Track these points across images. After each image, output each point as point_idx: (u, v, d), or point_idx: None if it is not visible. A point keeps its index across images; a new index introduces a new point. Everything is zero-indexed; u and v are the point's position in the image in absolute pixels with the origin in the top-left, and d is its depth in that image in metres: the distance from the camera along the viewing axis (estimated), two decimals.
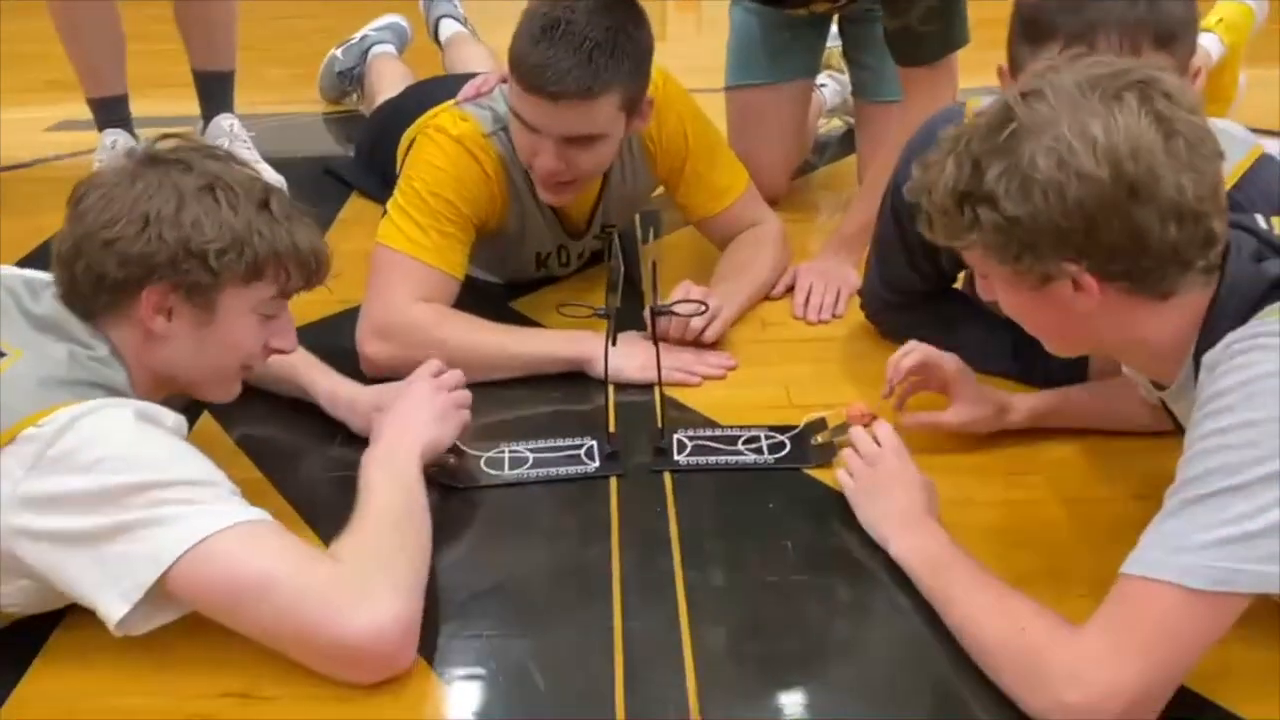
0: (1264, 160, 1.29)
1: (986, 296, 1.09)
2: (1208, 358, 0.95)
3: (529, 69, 1.46)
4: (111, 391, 1.07)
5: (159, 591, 0.97)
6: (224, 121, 2.35)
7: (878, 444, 1.24)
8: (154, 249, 1.08)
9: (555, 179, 1.56)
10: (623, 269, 1.35)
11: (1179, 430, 1.06)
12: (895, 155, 1.51)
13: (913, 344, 1.39)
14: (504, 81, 1.62)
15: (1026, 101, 0.95)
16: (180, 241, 1.09)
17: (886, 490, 1.21)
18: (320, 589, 0.98)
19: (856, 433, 1.27)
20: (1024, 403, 1.39)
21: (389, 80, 2.60)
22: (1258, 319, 0.94)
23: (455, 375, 1.35)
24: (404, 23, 2.94)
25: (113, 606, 0.97)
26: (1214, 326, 0.97)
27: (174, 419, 1.08)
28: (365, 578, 1.00)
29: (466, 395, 1.34)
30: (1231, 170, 1.24)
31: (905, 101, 1.88)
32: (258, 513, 1.02)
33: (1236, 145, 1.30)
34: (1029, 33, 1.28)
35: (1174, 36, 1.23)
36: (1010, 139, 0.95)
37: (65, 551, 0.98)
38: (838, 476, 1.26)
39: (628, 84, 1.51)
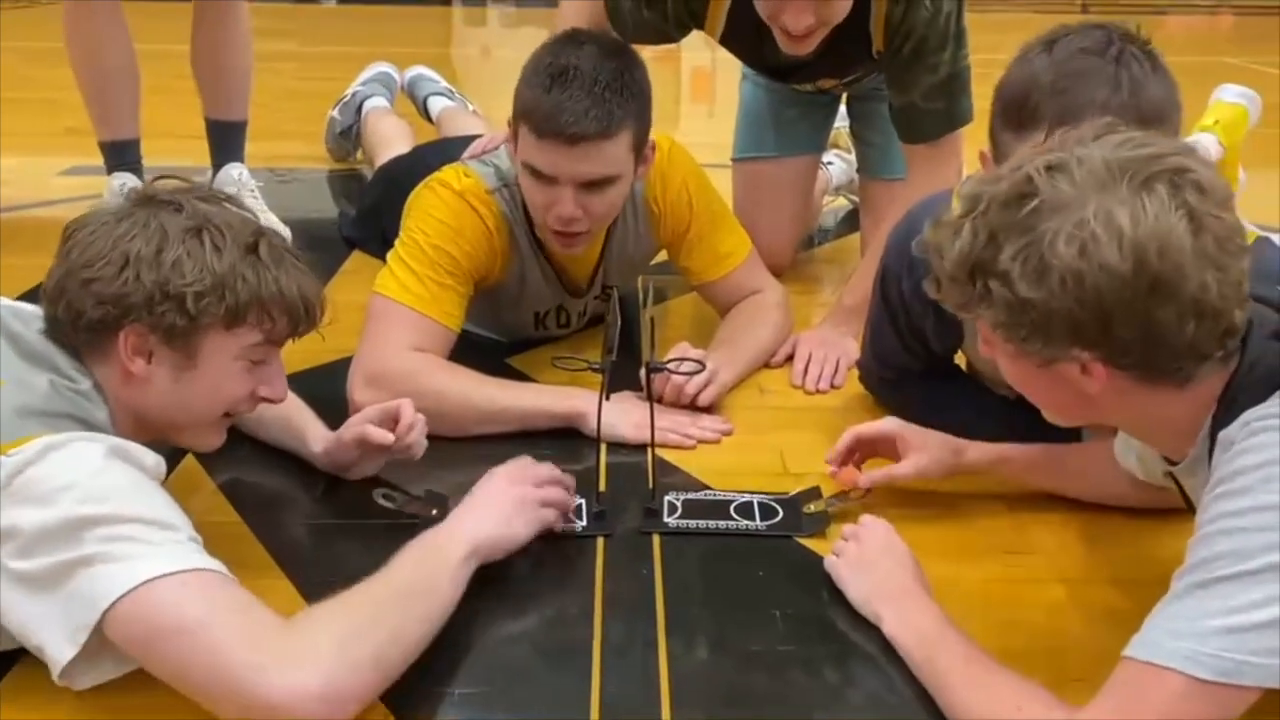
0: (1261, 242, 1.28)
1: (987, 356, 1.06)
2: (1224, 435, 0.92)
3: (545, 115, 1.47)
4: (89, 426, 1.05)
5: (99, 637, 0.93)
6: (233, 170, 2.37)
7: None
8: (130, 290, 1.07)
9: (571, 227, 1.56)
10: (620, 325, 1.33)
11: (1189, 507, 1.03)
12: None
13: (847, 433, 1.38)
14: (508, 140, 1.63)
15: (1050, 176, 0.91)
16: (158, 283, 1.07)
17: (875, 565, 1.18)
18: (250, 639, 0.92)
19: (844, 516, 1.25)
20: (979, 448, 1.37)
21: (386, 137, 2.63)
22: (1277, 397, 0.91)
23: (547, 468, 1.26)
24: (390, 70, 2.99)
25: (60, 650, 0.93)
26: (1232, 404, 0.94)
27: (153, 459, 1.05)
28: (308, 639, 0.93)
29: (556, 491, 1.25)
30: None
31: (908, 178, 1.89)
32: (210, 562, 0.97)
33: None
34: (1012, 117, 1.26)
35: (1160, 121, 1.21)
36: (1031, 215, 0.90)
37: (15, 591, 0.95)
38: (825, 562, 1.23)
39: (636, 123, 1.53)
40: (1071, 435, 1.40)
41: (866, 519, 1.25)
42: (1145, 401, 0.97)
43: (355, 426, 1.36)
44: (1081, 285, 0.88)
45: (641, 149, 1.58)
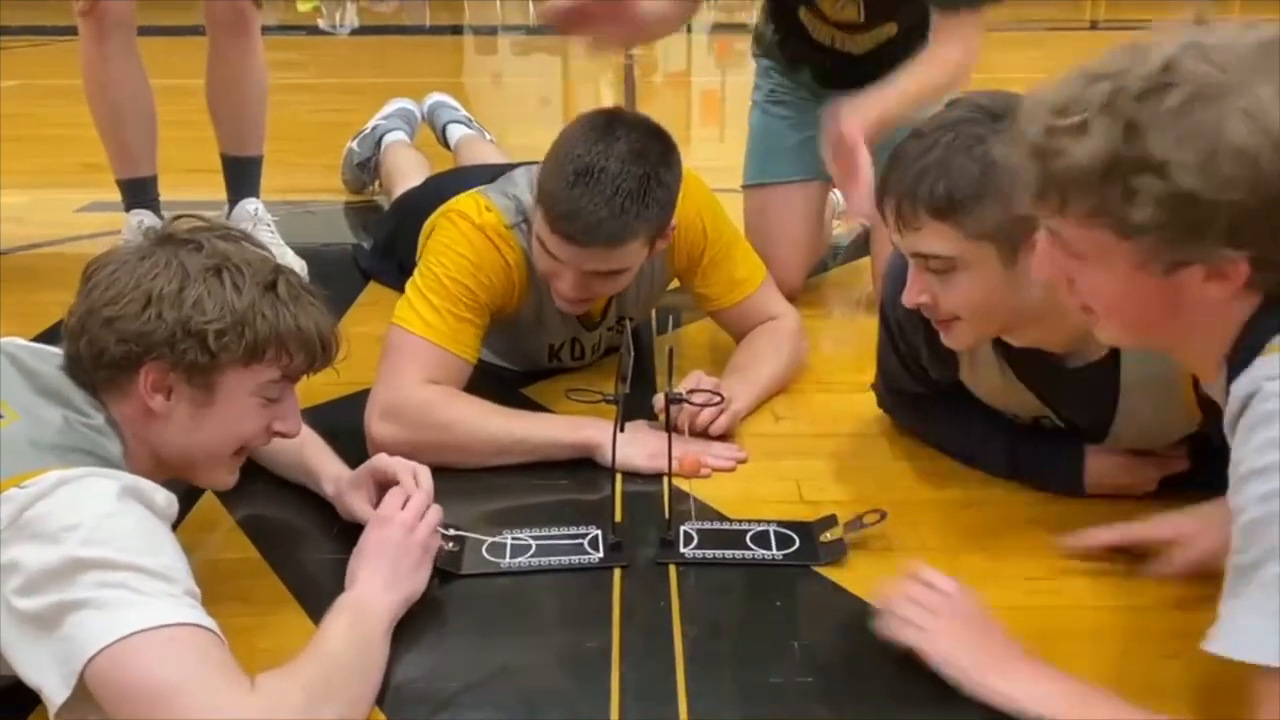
0: None
1: (1044, 274, 1.01)
2: (1236, 388, 0.89)
3: (560, 214, 1.47)
4: (103, 461, 1.05)
5: (85, 684, 0.93)
6: (248, 206, 2.39)
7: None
8: (153, 328, 1.08)
9: (574, 300, 1.57)
10: (633, 357, 1.34)
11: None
12: None
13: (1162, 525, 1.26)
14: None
15: (1194, 60, 0.85)
16: (179, 321, 1.08)
17: (980, 637, 1.10)
18: (220, 715, 0.91)
19: (912, 582, 1.14)
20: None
21: (404, 169, 2.64)
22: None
23: (419, 502, 1.26)
24: (411, 106, 3.01)
25: (56, 691, 0.93)
26: (1253, 331, 0.90)
27: (165, 497, 1.05)
28: (273, 716, 0.93)
29: (435, 516, 1.26)
30: None
31: (933, 46, 1.87)
32: (198, 618, 0.97)
33: None
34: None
35: (952, 208, 1.20)
36: (1186, 104, 0.84)
37: (16, 628, 0.95)
38: (897, 634, 1.12)
39: (654, 225, 1.53)
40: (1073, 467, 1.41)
41: (934, 579, 1.14)
42: (1227, 313, 0.91)
43: (356, 507, 1.35)
44: (1258, 169, 0.82)
45: (658, 240, 1.57)
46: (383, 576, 1.17)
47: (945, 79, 1.80)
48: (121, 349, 1.08)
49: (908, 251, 1.26)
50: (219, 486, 1.23)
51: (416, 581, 1.21)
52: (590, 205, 1.45)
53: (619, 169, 1.46)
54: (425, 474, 1.32)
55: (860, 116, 1.68)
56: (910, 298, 1.26)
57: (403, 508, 1.25)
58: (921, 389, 1.55)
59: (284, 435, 1.22)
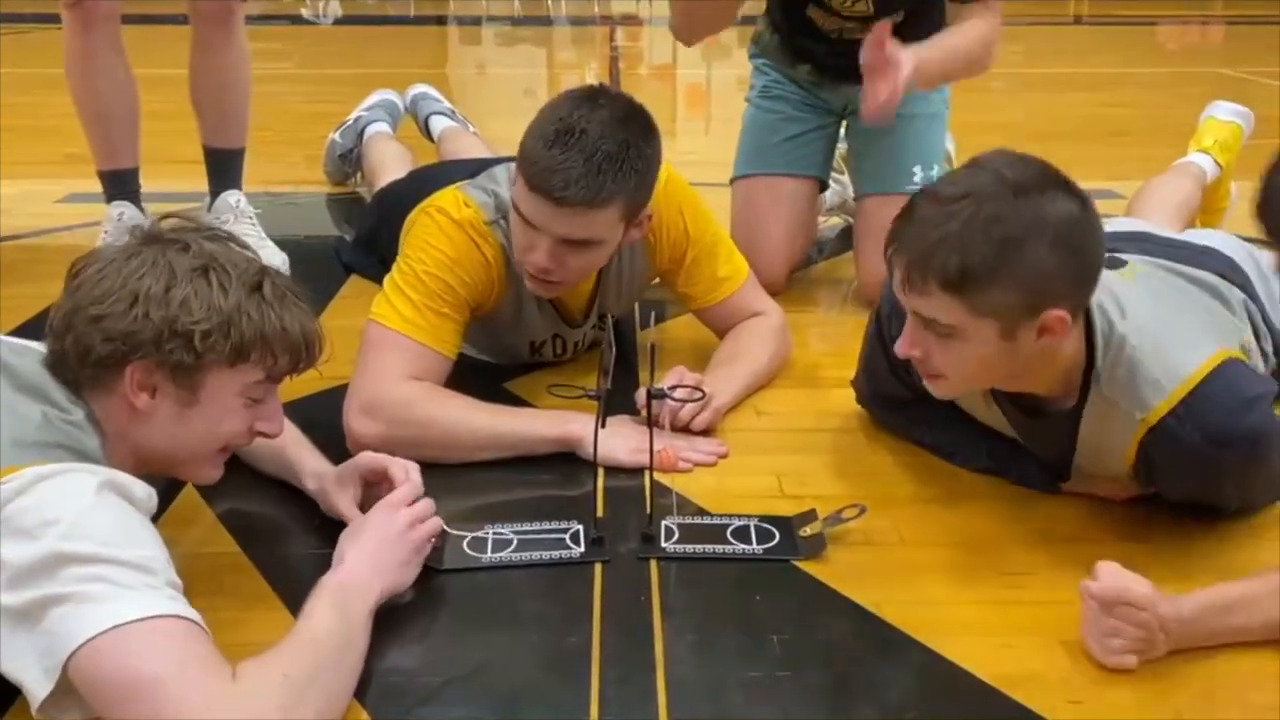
0: (1220, 373, 1.24)
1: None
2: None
3: (538, 170, 1.47)
4: (81, 455, 1.05)
5: (69, 677, 0.93)
6: (230, 197, 2.38)
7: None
8: (139, 327, 1.08)
9: (545, 275, 1.57)
10: (614, 352, 1.34)
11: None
12: None
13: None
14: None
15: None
16: (166, 321, 1.09)
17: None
18: (203, 707, 0.92)
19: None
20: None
21: (386, 162, 2.63)
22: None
23: (426, 504, 1.27)
24: (394, 97, 3.00)
25: (38, 684, 0.94)
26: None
27: (144, 489, 1.06)
28: (255, 707, 0.94)
29: (436, 524, 1.27)
30: (1190, 375, 1.24)
31: (955, 29, 1.96)
32: (180, 609, 0.97)
33: (1203, 343, 1.28)
34: None
35: (964, 287, 1.19)
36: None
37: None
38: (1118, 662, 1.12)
39: (630, 196, 1.52)
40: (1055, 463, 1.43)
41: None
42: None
43: (340, 504, 1.35)
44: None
45: (633, 219, 1.57)
46: (373, 561, 1.18)
47: (976, 48, 1.94)
48: (107, 348, 1.08)
49: (909, 309, 1.26)
50: (204, 482, 1.23)
51: (402, 576, 1.21)
52: (568, 162, 1.45)
53: (599, 132, 1.47)
54: (415, 470, 1.32)
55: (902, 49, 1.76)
56: (903, 349, 1.29)
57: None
58: (908, 395, 1.55)
59: (267, 435, 1.22)
